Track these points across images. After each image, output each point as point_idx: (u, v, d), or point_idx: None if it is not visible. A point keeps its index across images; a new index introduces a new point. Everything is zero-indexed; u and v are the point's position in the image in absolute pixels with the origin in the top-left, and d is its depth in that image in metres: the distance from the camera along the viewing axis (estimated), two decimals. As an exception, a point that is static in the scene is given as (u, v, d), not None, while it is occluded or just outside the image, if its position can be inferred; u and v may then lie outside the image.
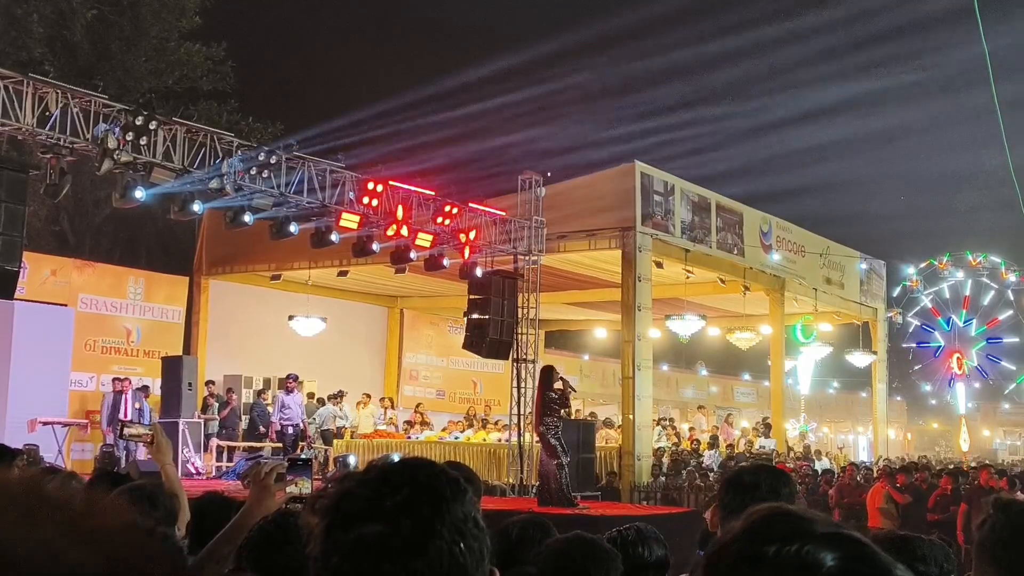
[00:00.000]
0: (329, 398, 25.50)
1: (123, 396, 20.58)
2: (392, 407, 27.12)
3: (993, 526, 2.17)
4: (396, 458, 1.79)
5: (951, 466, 25.35)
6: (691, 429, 28.33)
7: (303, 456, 20.29)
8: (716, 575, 1.27)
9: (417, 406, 27.74)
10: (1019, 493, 17.59)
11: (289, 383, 23.77)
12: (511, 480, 21.14)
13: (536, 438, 22.35)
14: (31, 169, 15.65)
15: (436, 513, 1.58)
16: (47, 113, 15.08)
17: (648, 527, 4.52)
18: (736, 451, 25.15)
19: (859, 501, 18.23)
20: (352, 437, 24.76)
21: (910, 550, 3.43)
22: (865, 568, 1.25)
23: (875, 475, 20.71)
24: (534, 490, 20.66)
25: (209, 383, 23.87)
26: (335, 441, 24.17)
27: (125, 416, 20.08)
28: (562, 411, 17.00)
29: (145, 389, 21.52)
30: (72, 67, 29.22)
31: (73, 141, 15.35)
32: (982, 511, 2.29)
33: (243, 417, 23.94)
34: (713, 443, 25.36)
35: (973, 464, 26.33)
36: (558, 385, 16.71)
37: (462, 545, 1.58)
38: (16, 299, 17.56)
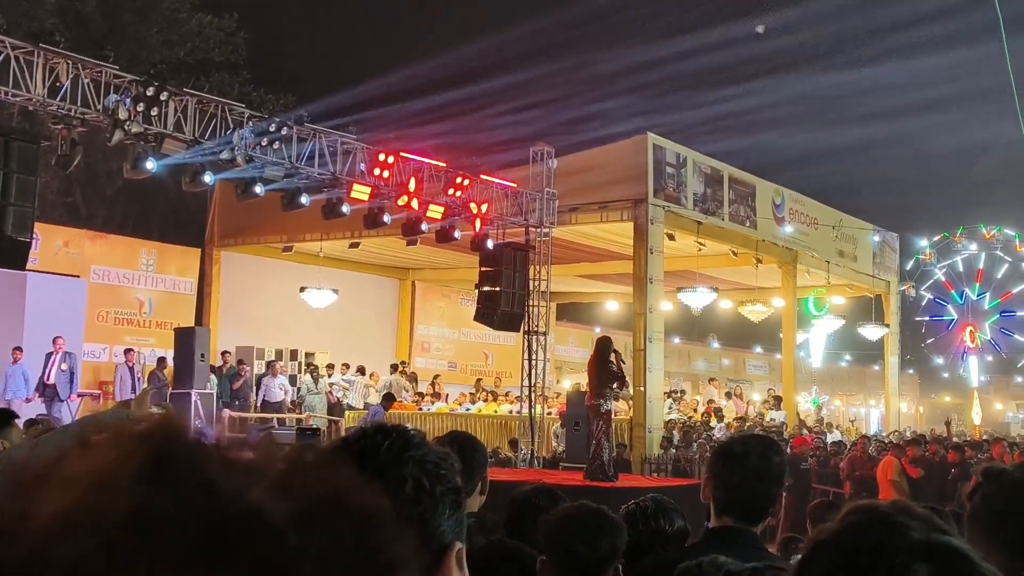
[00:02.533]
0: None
1: (134, 367, 20.71)
2: (404, 374, 27.07)
3: (985, 496, 2.14)
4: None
5: (966, 439, 25.32)
6: (710, 402, 28.28)
7: (312, 427, 20.44)
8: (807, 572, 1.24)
9: (434, 378, 27.79)
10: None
11: (274, 368, 24.16)
12: (526, 450, 21.14)
13: (553, 410, 22.65)
14: (42, 140, 15.62)
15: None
16: (58, 84, 15.04)
17: (665, 498, 4.51)
18: (746, 424, 25.13)
19: (870, 474, 18.20)
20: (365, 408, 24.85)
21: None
22: (867, 534, 1.22)
23: (886, 446, 20.67)
24: (542, 462, 20.75)
25: (225, 353, 23.93)
26: (347, 413, 24.21)
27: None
28: (616, 384, 16.71)
29: (162, 361, 21.59)
30: (83, 38, 29.14)
31: (84, 112, 15.33)
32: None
33: (254, 388, 24.01)
34: (719, 416, 25.36)
35: (986, 438, 26.28)
36: (613, 357, 16.23)
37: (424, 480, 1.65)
38: (29, 270, 17.60)
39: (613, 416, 17.05)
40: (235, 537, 0.48)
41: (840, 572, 1.22)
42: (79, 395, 19.52)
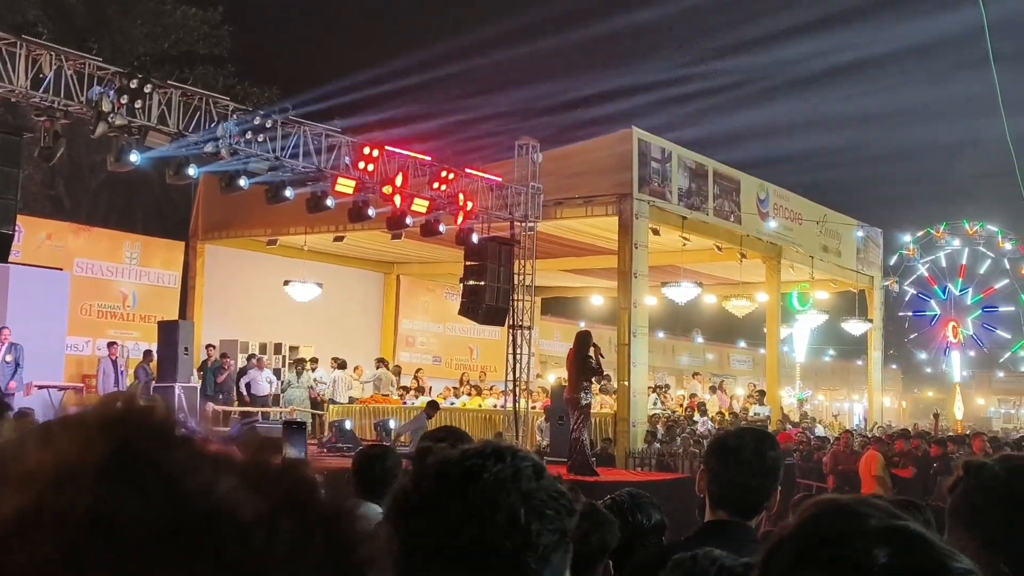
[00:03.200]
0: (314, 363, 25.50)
1: (117, 361, 20.59)
2: (386, 368, 27.05)
3: (965, 490, 2.14)
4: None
5: (948, 434, 25.39)
6: (692, 396, 28.36)
7: (297, 420, 20.39)
8: (769, 568, 1.25)
9: (416, 372, 27.76)
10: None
11: (261, 361, 24.24)
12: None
13: (538, 404, 22.66)
14: (25, 132, 15.56)
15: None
16: (41, 75, 14.95)
17: (640, 492, 4.49)
18: (726, 418, 25.21)
19: (853, 468, 18.23)
20: (350, 402, 24.83)
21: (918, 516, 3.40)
22: (918, 560, 1.22)
23: (870, 440, 20.70)
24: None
25: (209, 347, 23.87)
26: (331, 407, 24.19)
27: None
28: (593, 378, 16.72)
29: (148, 354, 21.52)
30: (67, 30, 29.00)
31: (67, 104, 15.25)
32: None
33: (237, 381, 23.95)
34: (702, 410, 25.42)
35: (967, 432, 26.39)
36: (592, 352, 16.24)
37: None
38: (11, 262, 17.50)
39: (592, 410, 17.08)
40: (201, 536, 0.47)
41: (802, 563, 1.23)
42: (39, 387, 19.26)
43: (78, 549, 0.44)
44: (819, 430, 26.56)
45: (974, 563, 1.25)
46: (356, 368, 26.09)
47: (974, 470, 2.15)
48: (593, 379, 16.69)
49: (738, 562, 2.50)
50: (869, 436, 22.78)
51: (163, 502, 0.47)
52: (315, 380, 24.93)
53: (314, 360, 25.65)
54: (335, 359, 25.75)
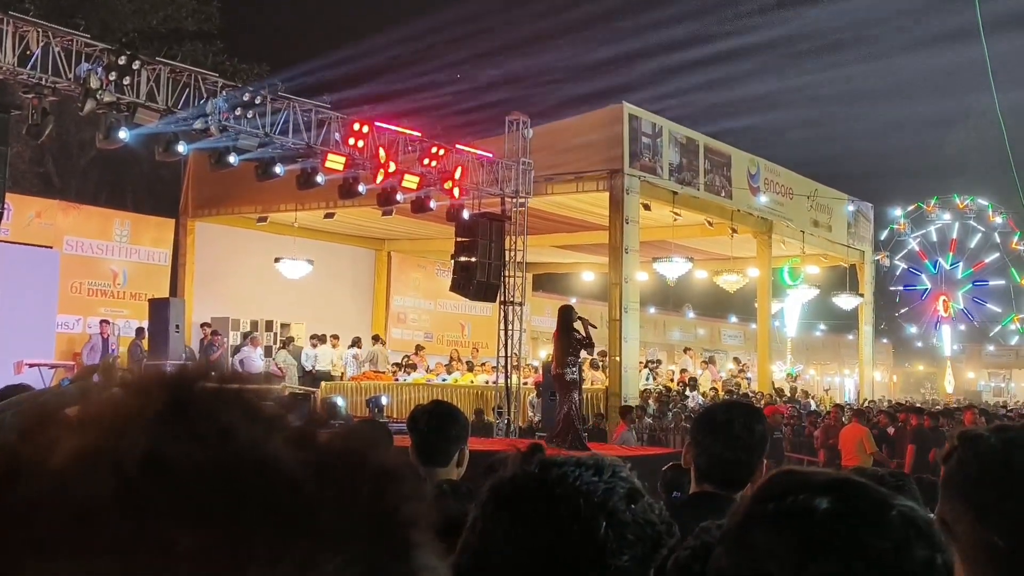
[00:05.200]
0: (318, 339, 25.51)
1: (108, 339, 20.55)
2: (382, 344, 27.11)
3: (960, 461, 2.13)
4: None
5: (940, 407, 25.53)
6: (682, 371, 28.44)
7: (300, 393, 20.58)
8: (728, 539, 1.28)
9: (417, 348, 27.86)
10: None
11: (254, 340, 24.30)
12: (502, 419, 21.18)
13: (530, 380, 22.68)
14: (13, 110, 15.46)
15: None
16: (28, 52, 14.85)
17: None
18: (719, 393, 25.27)
19: (844, 441, 18.33)
20: (342, 379, 24.87)
21: (902, 489, 3.40)
22: (858, 504, 1.24)
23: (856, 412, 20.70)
24: (518, 431, 20.79)
25: (204, 325, 23.85)
26: (323, 383, 24.22)
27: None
28: (583, 352, 16.71)
29: (140, 331, 21.50)
30: (54, 6, 28.79)
31: (55, 81, 15.17)
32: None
33: (229, 359, 23.96)
34: (692, 385, 25.49)
35: (959, 403, 26.50)
36: (578, 325, 16.20)
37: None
38: (0, 241, 17.45)
39: (581, 385, 17.09)
40: (251, 484, 0.48)
41: (750, 520, 1.26)
42: (30, 365, 19.21)
43: (133, 487, 0.47)
44: (807, 404, 26.66)
45: (967, 535, 1.28)
46: (355, 341, 26.14)
47: (969, 441, 2.13)
48: (584, 352, 16.66)
49: None
50: (856, 409, 22.85)
51: (216, 449, 0.49)
52: (307, 356, 24.98)
53: (320, 337, 25.65)
54: (314, 336, 25.78)
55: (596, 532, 1.58)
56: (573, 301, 30.35)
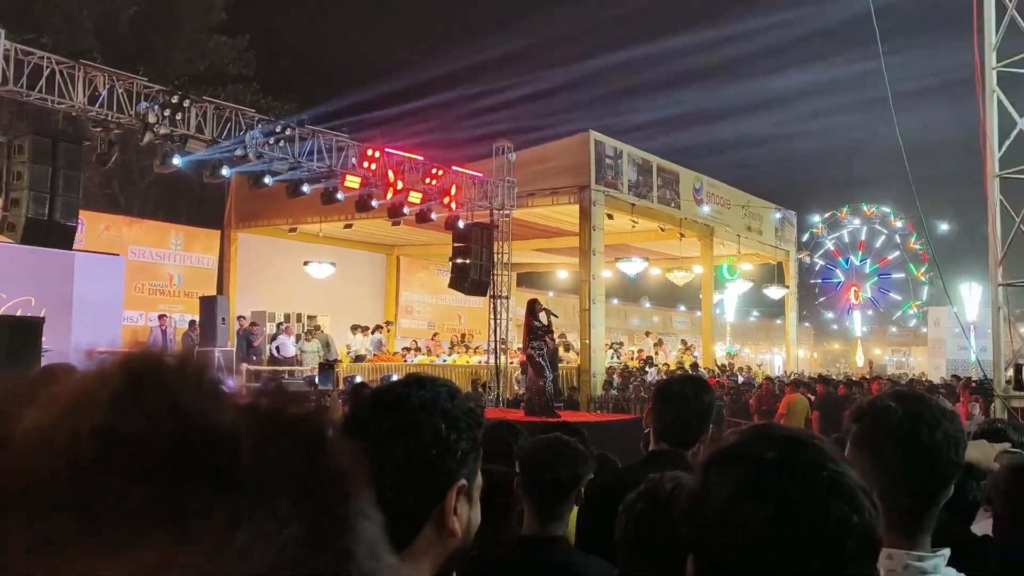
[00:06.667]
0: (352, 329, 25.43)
1: (166, 330, 20.47)
2: (386, 333, 27.06)
3: (873, 429, 2.05)
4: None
5: (852, 378, 25.55)
6: (639, 351, 28.45)
7: (330, 360, 20.58)
8: (706, 471, 1.29)
9: (433, 335, 28.01)
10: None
11: (287, 329, 24.09)
12: (492, 394, 21.19)
13: (515, 360, 22.69)
14: (84, 141, 15.39)
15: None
16: (96, 93, 14.80)
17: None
18: (671, 369, 25.27)
19: (774, 407, 18.32)
20: (357, 361, 24.78)
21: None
22: (798, 458, 1.24)
23: (788, 383, 20.69)
24: (505, 402, 20.80)
25: (240, 318, 23.75)
26: (343, 365, 24.14)
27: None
28: (546, 337, 16.79)
29: (193, 324, 21.41)
30: (117, 55, 28.64)
31: (119, 117, 15.10)
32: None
33: (268, 345, 23.88)
34: (649, 363, 25.51)
35: (866, 376, 26.59)
36: (542, 315, 16.38)
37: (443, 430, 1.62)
38: (75, 250, 17.37)
39: (556, 363, 17.13)
40: (194, 449, 0.47)
41: (716, 460, 1.28)
42: (100, 352, 19.08)
43: (85, 457, 0.45)
44: (745, 377, 26.67)
45: (877, 490, 1.27)
46: (365, 330, 26.03)
47: (879, 413, 2.09)
48: (545, 337, 16.68)
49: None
50: (787, 381, 22.86)
51: (162, 420, 0.48)
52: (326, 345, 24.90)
53: (353, 327, 25.55)
54: (355, 326, 25.69)
55: (440, 431, 1.60)
56: (550, 295, 30.43)
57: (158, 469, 0.46)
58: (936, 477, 2.00)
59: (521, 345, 17.03)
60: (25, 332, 13.09)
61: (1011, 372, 9.99)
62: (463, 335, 28.90)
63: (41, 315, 15.30)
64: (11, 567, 0.42)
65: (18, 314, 16.26)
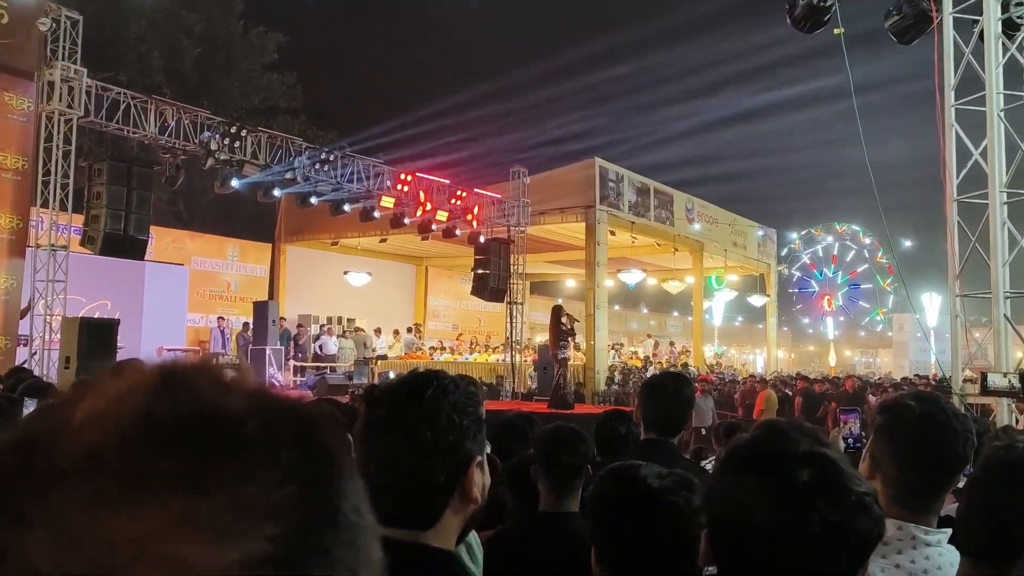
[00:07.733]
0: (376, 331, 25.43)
1: (224, 331, 20.53)
2: (418, 334, 27.03)
3: (894, 423, 2.03)
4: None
5: (827, 377, 25.40)
6: (634, 352, 28.37)
7: (367, 356, 20.53)
8: (736, 471, 1.28)
9: (459, 336, 27.96)
10: (870, 396, 17.62)
11: (330, 329, 24.01)
12: (510, 388, 21.17)
13: (528, 358, 22.68)
14: (155, 165, 15.50)
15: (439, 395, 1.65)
16: (166, 124, 14.93)
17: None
18: (666, 367, 25.19)
19: (756, 401, 18.24)
20: (388, 359, 24.79)
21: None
22: (770, 443, 1.24)
23: (758, 381, 20.59)
24: (520, 396, 20.77)
25: (281, 319, 23.76)
26: (379, 361, 24.13)
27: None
28: (568, 338, 16.80)
29: (246, 325, 21.48)
30: (183, 90, 28.84)
31: (185, 145, 15.23)
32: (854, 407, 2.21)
33: (312, 345, 23.91)
34: (647, 362, 25.44)
35: (839, 375, 26.42)
36: (564, 319, 16.39)
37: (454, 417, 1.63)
38: (146, 261, 17.49)
39: (570, 362, 17.14)
40: (210, 426, 0.52)
41: (747, 466, 1.26)
42: (167, 350, 19.17)
43: (129, 435, 0.50)
44: (730, 375, 26.56)
45: (890, 471, 1.26)
46: (395, 332, 26.02)
47: (900, 409, 2.05)
48: (567, 339, 16.73)
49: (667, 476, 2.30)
50: (767, 379, 22.79)
51: (188, 407, 0.52)
52: (363, 344, 24.87)
53: (377, 329, 25.54)
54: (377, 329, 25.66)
55: (453, 420, 1.62)
56: (560, 301, 30.34)
57: (183, 442, 0.51)
58: (945, 467, 2.01)
59: (549, 345, 16.97)
60: (102, 332, 13.17)
61: (967, 372, 9.95)
62: (483, 336, 28.89)
63: (116, 317, 15.37)
64: (72, 519, 0.47)
65: (96, 316, 16.34)
